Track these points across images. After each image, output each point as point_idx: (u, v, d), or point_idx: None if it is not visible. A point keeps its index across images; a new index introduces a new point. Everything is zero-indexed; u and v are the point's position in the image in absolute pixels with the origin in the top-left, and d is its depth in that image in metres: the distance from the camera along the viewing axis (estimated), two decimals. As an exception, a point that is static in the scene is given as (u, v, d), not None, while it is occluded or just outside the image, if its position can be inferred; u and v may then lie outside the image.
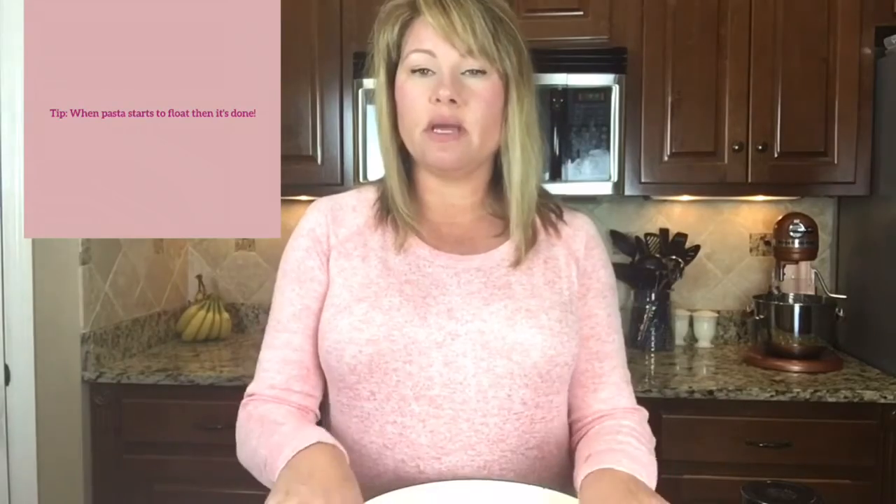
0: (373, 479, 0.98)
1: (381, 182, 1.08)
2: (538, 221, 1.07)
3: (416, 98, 0.98)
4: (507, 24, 0.99)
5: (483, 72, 0.97)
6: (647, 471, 0.92)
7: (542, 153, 1.05)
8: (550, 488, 0.91)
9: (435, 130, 0.97)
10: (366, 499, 0.85)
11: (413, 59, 0.98)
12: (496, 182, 1.07)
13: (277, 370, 1.03)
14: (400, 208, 1.02)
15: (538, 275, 1.02)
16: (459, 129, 0.97)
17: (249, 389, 1.06)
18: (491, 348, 0.95)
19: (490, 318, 0.96)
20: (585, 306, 1.05)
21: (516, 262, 1.02)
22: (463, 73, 0.97)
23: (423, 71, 0.98)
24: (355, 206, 1.08)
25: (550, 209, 1.09)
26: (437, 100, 0.95)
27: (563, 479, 1.03)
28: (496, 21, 0.97)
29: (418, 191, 1.07)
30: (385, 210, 1.05)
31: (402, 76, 1.00)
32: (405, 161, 1.05)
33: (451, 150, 0.97)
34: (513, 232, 1.03)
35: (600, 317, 1.06)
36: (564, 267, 1.05)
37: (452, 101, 0.95)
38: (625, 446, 0.94)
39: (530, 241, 1.03)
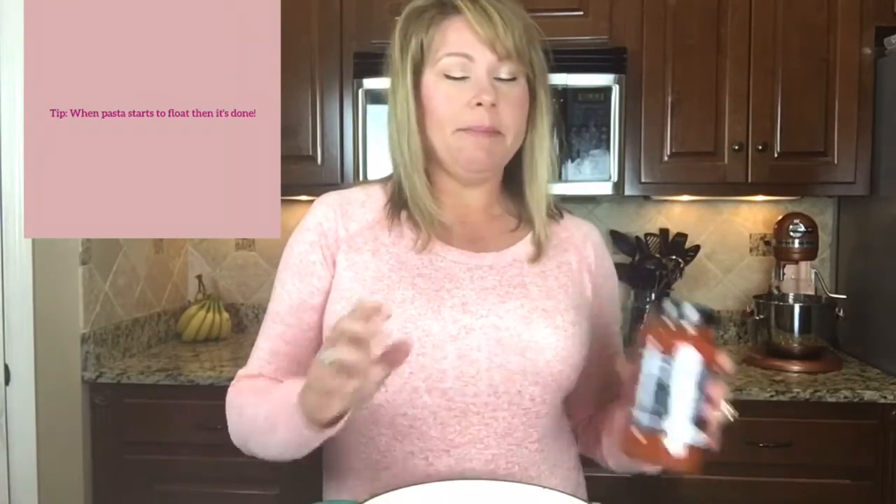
0: (381, 472, 0.98)
1: (387, 181, 1.08)
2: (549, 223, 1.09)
3: (451, 101, 0.97)
4: (534, 27, 1.00)
5: (514, 78, 0.99)
6: None
7: (555, 157, 1.08)
8: (550, 488, 0.91)
9: (470, 129, 0.97)
10: (368, 498, 0.85)
11: (448, 63, 0.98)
12: (508, 182, 1.09)
13: (268, 360, 1.05)
14: (426, 210, 1.01)
15: (552, 278, 1.04)
16: (496, 131, 0.98)
17: (240, 373, 1.07)
18: (505, 345, 0.96)
19: (506, 315, 0.97)
20: (603, 317, 1.10)
21: (537, 256, 1.04)
22: (496, 79, 0.98)
23: (458, 76, 0.98)
24: (364, 201, 1.07)
25: (554, 212, 1.11)
26: (478, 104, 0.95)
27: (563, 470, 1.05)
28: (527, 26, 0.99)
29: (433, 192, 1.06)
30: (396, 210, 1.04)
31: (430, 78, 0.99)
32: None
33: (487, 150, 0.98)
34: (538, 229, 1.05)
35: (615, 326, 1.13)
36: (576, 272, 1.07)
37: (493, 105, 0.96)
38: None
39: (549, 240, 1.06)
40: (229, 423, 1.03)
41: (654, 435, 0.80)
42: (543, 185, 1.05)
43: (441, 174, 1.05)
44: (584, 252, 1.09)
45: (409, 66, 1.00)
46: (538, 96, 1.02)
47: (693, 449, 0.80)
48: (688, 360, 0.80)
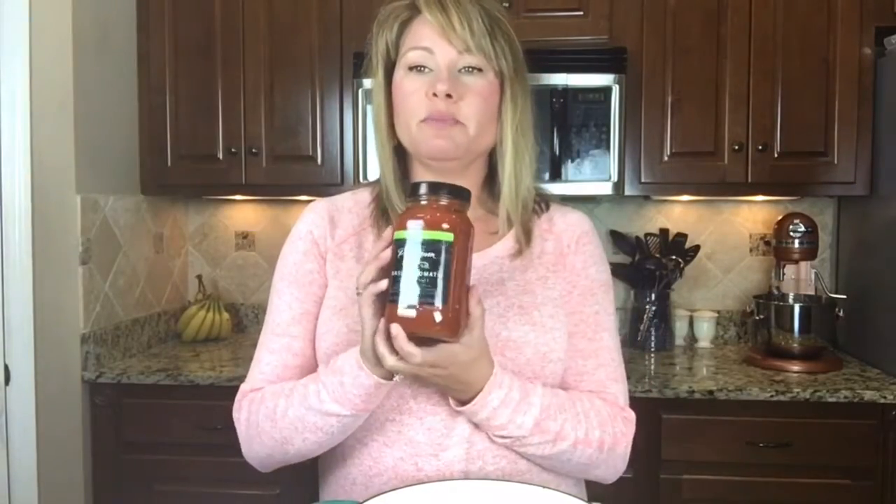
0: (372, 478, 0.98)
1: (376, 183, 1.09)
2: (532, 219, 1.07)
3: (413, 93, 0.99)
4: (504, 24, 1.01)
5: (479, 69, 0.99)
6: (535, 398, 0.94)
7: (535, 154, 1.05)
8: (550, 488, 0.91)
9: (430, 119, 0.98)
10: (366, 498, 0.85)
11: (411, 56, 0.99)
12: (490, 182, 1.08)
13: (276, 374, 1.03)
14: (395, 204, 1.03)
15: (530, 271, 1.04)
16: (456, 121, 0.98)
17: (243, 388, 1.05)
18: None
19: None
20: (570, 303, 1.05)
21: (518, 252, 1.03)
22: (459, 71, 0.99)
23: (419, 68, 0.99)
24: (351, 207, 1.09)
25: (539, 206, 1.10)
26: (434, 94, 0.96)
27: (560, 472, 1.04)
28: (493, 21, 0.99)
29: None
30: (381, 211, 1.05)
31: (399, 73, 1.01)
32: (401, 162, 1.06)
33: (448, 138, 0.98)
34: (501, 227, 1.04)
35: (585, 314, 1.05)
36: (554, 262, 1.06)
37: (448, 95, 0.96)
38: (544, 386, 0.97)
39: (529, 236, 1.05)
40: (254, 436, 0.99)
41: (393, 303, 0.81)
42: (512, 183, 1.02)
43: (418, 172, 1.05)
44: (563, 240, 1.07)
45: (381, 65, 1.03)
46: (506, 93, 1.02)
47: (423, 308, 0.79)
48: (413, 230, 0.81)
